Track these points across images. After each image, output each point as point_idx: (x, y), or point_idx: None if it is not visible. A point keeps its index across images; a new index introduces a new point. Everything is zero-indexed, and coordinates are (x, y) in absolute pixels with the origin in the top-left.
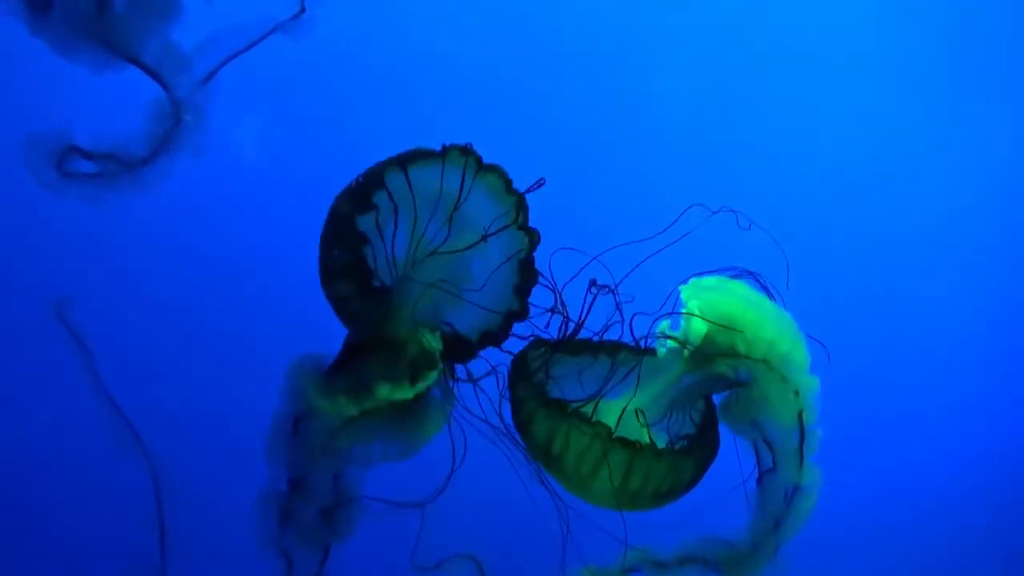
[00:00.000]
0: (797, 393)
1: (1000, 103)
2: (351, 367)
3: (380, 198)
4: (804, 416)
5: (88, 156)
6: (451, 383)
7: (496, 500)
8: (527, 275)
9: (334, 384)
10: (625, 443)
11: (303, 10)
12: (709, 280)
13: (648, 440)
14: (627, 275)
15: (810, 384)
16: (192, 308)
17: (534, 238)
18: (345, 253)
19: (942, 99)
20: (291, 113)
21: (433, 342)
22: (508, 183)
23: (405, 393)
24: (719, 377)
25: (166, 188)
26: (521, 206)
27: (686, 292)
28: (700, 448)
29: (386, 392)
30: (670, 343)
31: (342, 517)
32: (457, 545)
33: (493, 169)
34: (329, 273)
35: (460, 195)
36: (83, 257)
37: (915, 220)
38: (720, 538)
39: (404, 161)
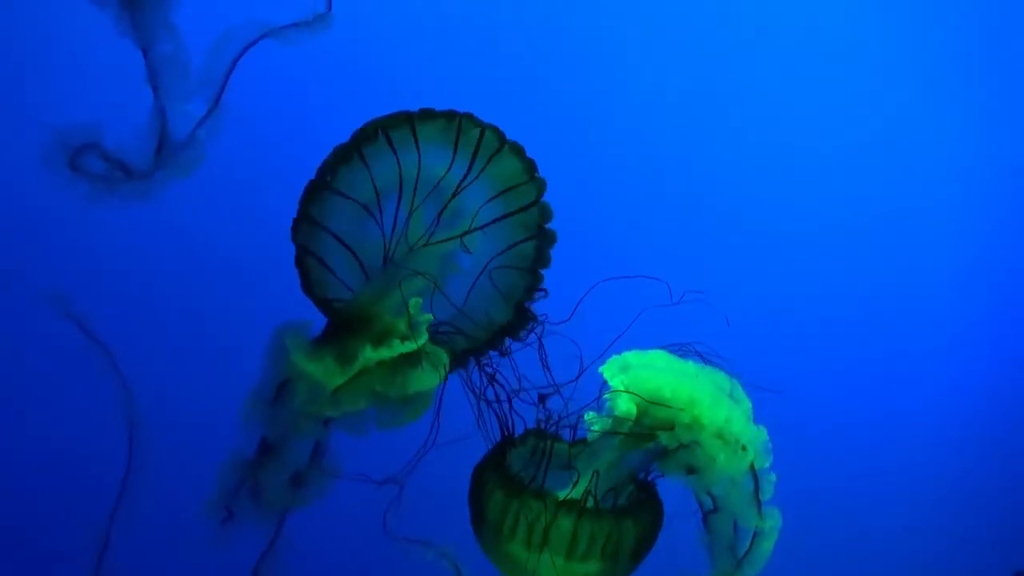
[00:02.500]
0: (745, 448)
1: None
2: (337, 338)
3: (373, 161)
4: (756, 463)
5: (104, 157)
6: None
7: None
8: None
9: (322, 348)
10: (571, 506)
11: (310, 20)
12: (629, 356)
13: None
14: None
15: (757, 435)
16: (186, 285)
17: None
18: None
19: (915, 148)
20: (290, 115)
21: (414, 309)
22: (529, 168)
23: (390, 352)
24: (661, 449)
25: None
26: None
27: (608, 370)
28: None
29: (370, 353)
30: (602, 426)
31: (307, 485)
32: (429, 523)
33: (515, 149)
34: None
35: (465, 178)
36: (76, 239)
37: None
38: None
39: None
